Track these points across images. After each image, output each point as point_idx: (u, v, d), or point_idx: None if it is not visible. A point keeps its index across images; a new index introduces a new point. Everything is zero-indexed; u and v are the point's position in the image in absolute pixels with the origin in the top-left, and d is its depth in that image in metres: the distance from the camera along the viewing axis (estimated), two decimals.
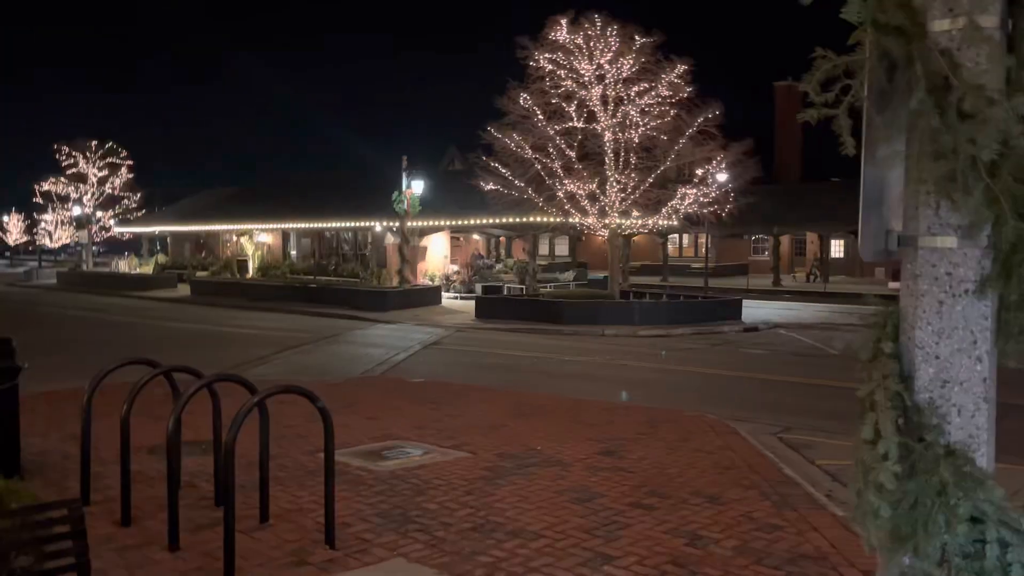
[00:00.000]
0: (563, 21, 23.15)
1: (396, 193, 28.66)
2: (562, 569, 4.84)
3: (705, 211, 24.20)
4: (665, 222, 25.31)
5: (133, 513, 5.57)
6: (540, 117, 23.56)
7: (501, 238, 39.36)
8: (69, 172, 49.63)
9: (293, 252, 39.03)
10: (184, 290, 34.75)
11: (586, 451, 7.69)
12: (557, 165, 23.73)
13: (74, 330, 21.42)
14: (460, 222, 31.38)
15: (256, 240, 38.77)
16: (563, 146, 23.73)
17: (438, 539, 5.31)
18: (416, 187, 28.53)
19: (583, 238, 42.07)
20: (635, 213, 24.56)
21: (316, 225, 35.55)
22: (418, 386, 11.85)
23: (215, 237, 42.85)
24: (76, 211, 49.27)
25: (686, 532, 5.47)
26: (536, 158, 23.86)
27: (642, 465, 7.21)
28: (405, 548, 5.15)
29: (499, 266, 34.78)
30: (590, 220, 24.33)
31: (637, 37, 22.99)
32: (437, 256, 34.48)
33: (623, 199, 23.79)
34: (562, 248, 51.36)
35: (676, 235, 46.77)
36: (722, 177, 24.33)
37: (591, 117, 23.77)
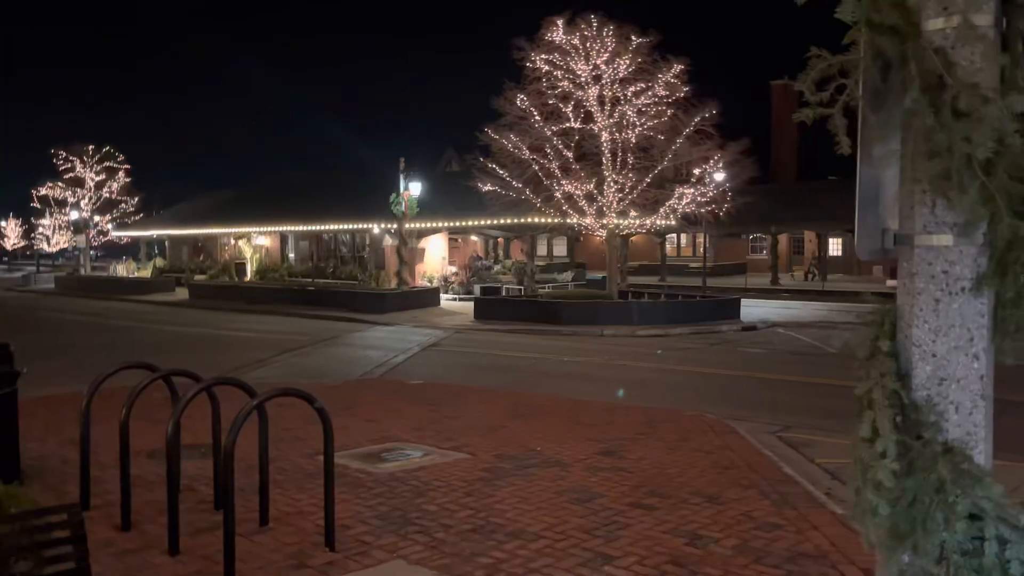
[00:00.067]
0: (559, 22, 23.17)
1: (394, 195, 28.66)
2: (562, 570, 4.84)
3: (703, 211, 24.21)
4: (663, 222, 25.33)
5: (133, 517, 5.57)
6: (537, 118, 23.57)
7: (499, 239, 39.35)
8: (66, 176, 49.59)
9: (291, 255, 39.03)
10: (182, 294, 34.74)
11: (586, 451, 7.70)
12: (554, 166, 23.74)
13: (72, 334, 21.41)
14: (458, 223, 31.39)
15: (254, 243, 38.75)
16: (560, 147, 23.74)
17: (438, 541, 5.31)
18: (414, 189, 28.53)
19: (581, 238, 42.07)
20: (633, 213, 24.57)
21: (314, 227, 35.54)
22: (417, 388, 11.85)
23: (213, 240, 42.84)
24: (74, 215, 49.21)
25: (686, 532, 5.47)
26: (533, 159, 23.87)
27: (642, 465, 7.21)
28: (405, 550, 5.15)
29: (497, 267, 34.78)
30: (588, 220, 24.34)
31: (633, 37, 23.02)
32: (435, 258, 34.49)
33: (621, 199, 23.80)
34: (560, 249, 51.37)
35: (674, 235, 46.79)
36: (719, 176, 24.34)
37: (588, 117, 23.78)
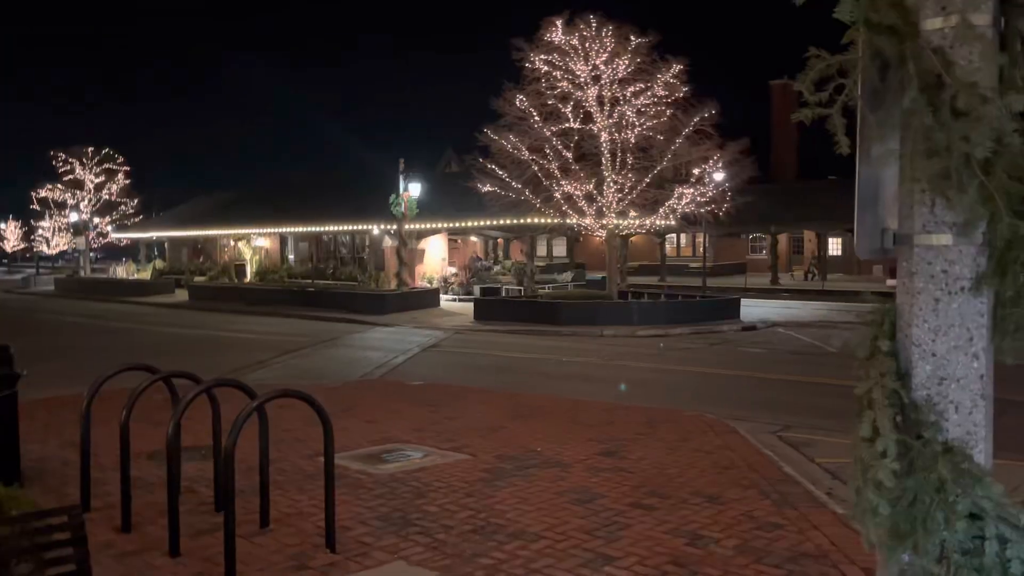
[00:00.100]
0: (558, 22, 23.17)
1: (393, 196, 28.66)
2: (563, 570, 4.84)
3: (702, 211, 24.20)
4: (662, 222, 25.32)
5: (133, 519, 5.57)
6: (536, 118, 23.57)
7: (499, 240, 39.37)
8: (66, 179, 49.61)
9: (291, 256, 39.03)
10: (182, 295, 34.74)
11: (586, 452, 7.69)
12: (554, 166, 23.74)
13: (72, 336, 21.40)
14: (458, 224, 31.39)
15: (254, 244, 38.76)
16: (560, 147, 23.74)
17: (439, 542, 5.31)
18: (413, 189, 28.54)
19: (581, 239, 42.08)
20: (632, 213, 24.57)
21: (314, 229, 35.54)
22: (417, 389, 11.85)
23: (213, 242, 42.84)
24: (73, 217, 49.24)
25: (686, 532, 5.47)
26: (533, 159, 23.88)
27: (642, 465, 7.21)
28: (406, 551, 5.15)
29: (497, 268, 34.80)
30: (587, 221, 24.34)
31: (632, 37, 23.01)
32: (435, 258, 34.49)
33: (620, 199, 23.80)
34: (560, 249, 51.36)
35: (674, 235, 46.79)
36: (719, 176, 24.34)
37: (587, 118, 23.78)
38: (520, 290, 29.72)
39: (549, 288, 30.50)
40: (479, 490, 6.46)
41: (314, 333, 21.11)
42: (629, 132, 23.30)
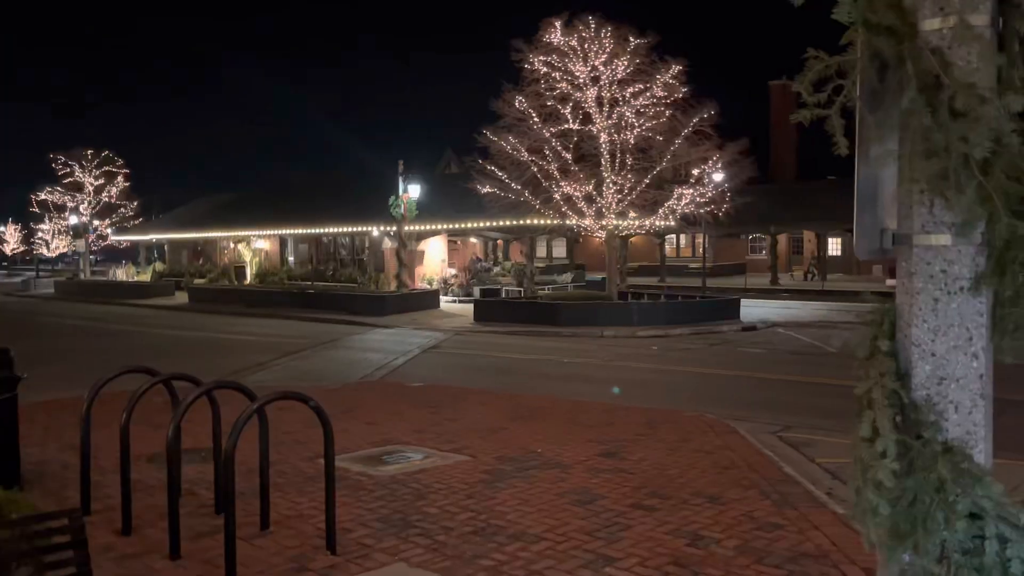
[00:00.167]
0: (557, 23, 23.19)
1: (393, 197, 28.67)
2: (564, 571, 4.84)
3: (702, 211, 24.22)
4: (662, 223, 25.34)
5: (133, 522, 5.57)
6: (536, 120, 23.58)
7: (499, 241, 39.37)
8: (66, 181, 49.64)
9: (291, 258, 39.03)
10: (182, 298, 34.73)
11: (586, 453, 7.69)
12: (553, 167, 23.75)
13: (72, 339, 21.40)
14: (457, 225, 31.40)
15: (253, 246, 38.76)
16: (559, 148, 23.75)
17: (439, 543, 5.31)
18: (413, 191, 28.55)
19: (580, 240, 42.09)
20: (632, 214, 24.58)
21: (313, 230, 35.55)
22: (417, 390, 11.85)
23: (212, 244, 42.85)
24: (73, 220, 49.25)
25: (687, 532, 5.47)
26: (532, 160, 23.89)
27: (642, 466, 7.21)
28: (406, 553, 5.15)
29: (497, 269, 34.80)
30: (587, 222, 24.35)
31: (631, 38, 23.03)
32: (435, 260, 34.49)
33: (620, 200, 23.81)
34: (560, 250, 51.37)
35: (673, 235, 46.78)
36: (718, 177, 24.36)
37: (586, 119, 23.79)
38: (520, 291, 29.72)
39: (549, 289, 30.50)
40: (479, 491, 6.45)
41: (314, 335, 21.11)
42: (628, 133, 23.31)
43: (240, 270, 38.44)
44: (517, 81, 24.05)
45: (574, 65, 23.30)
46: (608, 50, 23.11)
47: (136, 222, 51.11)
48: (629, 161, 23.65)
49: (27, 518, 3.52)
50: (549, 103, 23.61)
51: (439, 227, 31.67)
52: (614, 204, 23.80)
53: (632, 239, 36.66)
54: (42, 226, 57.72)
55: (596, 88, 23.47)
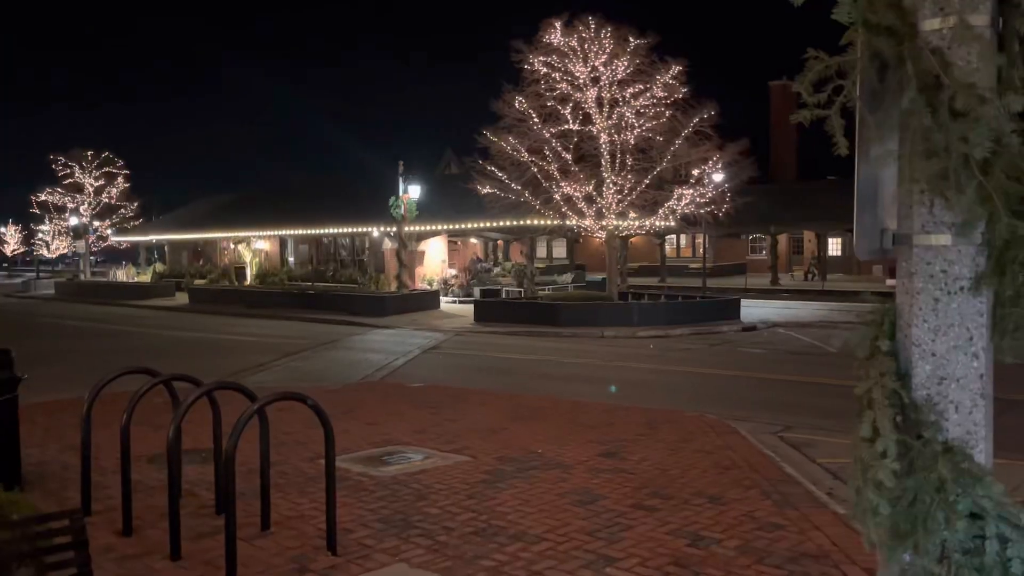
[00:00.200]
0: (557, 24, 23.19)
1: (393, 198, 28.68)
2: (565, 572, 4.84)
3: (702, 211, 24.22)
4: (662, 223, 25.34)
5: (134, 523, 5.57)
6: (536, 120, 23.59)
7: (499, 241, 39.36)
8: (66, 182, 49.63)
9: (291, 259, 39.03)
10: (182, 298, 34.74)
11: (587, 453, 7.69)
12: (553, 168, 23.75)
13: (72, 340, 21.40)
14: (457, 226, 31.39)
15: (254, 247, 38.77)
16: (559, 149, 23.76)
17: (440, 544, 5.31)
18: (413, 191, 28.55)
19: (581, 240, 42.10)
20: (632, 214, 24.58)
21: (314, 231, 35.56)
22: (417, 391, 11.85)
23: (212, 245, 42.86)
24: (73, 221, 49.24)
25: (688, 533, 5.47)
26: (532, 161, 23.89)
27: (643, 466, 7.21)
28: (407, 553, 5.15)
29: (497, 269, 34.79)
30: (587, 222, 24.35)
31: (631, 39, 23.04)
32: (435, 260, 34.49)
33: (620, 201, 23.81)
34: (560, 250, 51.37)
35: (673, 236, 46.78)
36: (718, 177, 24.36)
37: (587, 119, 23.80)
38: (520, 292, 29.72)
39: (549, 289, 30.49)
40: (480, 492, 6.46)
41: (314, 335, 21.11)
42: (628, 133, 23.31)
43: (240, 271, 38.45)
44: (517, 82, 24.10)
45: (574, 65, 23.30)
46: (608, 50, 23.11)
47: (136, 223, 51.11)
48: (629, 161, 23.66)
49: (28, 519, 3.52)
50: (549, 103, 23.62)
51: (439, 227, 31.67)
52: (614, 204, 23.80)
53: (632, 239, 36.65)
54: (42, 227, 57.67)
55: (596, 88, 23.47)
